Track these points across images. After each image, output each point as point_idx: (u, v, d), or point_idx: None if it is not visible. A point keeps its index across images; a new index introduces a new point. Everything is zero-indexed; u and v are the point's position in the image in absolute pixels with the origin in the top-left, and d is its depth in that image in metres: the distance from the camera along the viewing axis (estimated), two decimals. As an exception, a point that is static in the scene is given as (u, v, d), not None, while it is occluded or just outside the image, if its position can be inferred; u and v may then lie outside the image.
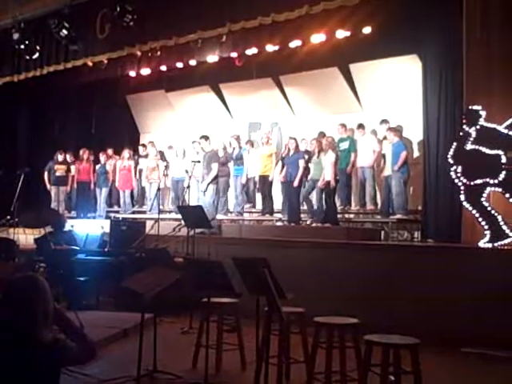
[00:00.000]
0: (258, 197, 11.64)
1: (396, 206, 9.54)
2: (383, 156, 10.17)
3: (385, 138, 10.35)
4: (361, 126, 10.74)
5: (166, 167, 12.54)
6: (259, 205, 11.62)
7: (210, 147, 10.82)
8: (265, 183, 11.12)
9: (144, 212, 12.79)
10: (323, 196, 10.03)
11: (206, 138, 10.80)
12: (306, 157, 10.50)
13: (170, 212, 12.41)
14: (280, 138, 12.49)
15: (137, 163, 13.11)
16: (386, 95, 11.06)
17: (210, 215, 9.76)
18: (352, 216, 10.93)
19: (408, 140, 10.26)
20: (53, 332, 2.66)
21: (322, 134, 10.94)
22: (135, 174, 13.04)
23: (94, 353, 2.82)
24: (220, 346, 5.48)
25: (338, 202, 10.61)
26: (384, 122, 10.51)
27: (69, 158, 13.48)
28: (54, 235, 8.25)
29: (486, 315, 6.24)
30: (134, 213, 12.86)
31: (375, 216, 10.50)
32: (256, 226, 11.01)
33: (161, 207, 12.35)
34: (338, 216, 10.48)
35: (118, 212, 12.97)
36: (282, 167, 10.87)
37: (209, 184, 10.35)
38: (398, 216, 9.51)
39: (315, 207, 10.45)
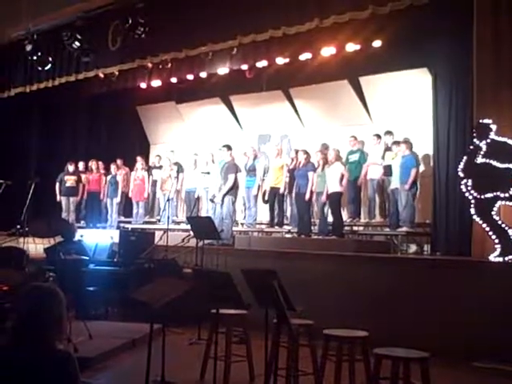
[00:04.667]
0: (265, 208, 11.60)
1: (403, 219, 9.50)
2: (389, 168, 10.15)
3: (388, 149, 10.32)
4: (377, 135, 10.69)
5: (177, 177, 12.58)
6: (266, 216, 11.59)
7: (230, 157, 10.75)
8: (276, 195, 11.11)
9: (154, 222, 12.82)
10: (325, 208, 10.03)
11: (228, 147, 10.68)
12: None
13: (180, 223, 12.42)
14: (289, 150, 12.50)
15: (150, 174, 13.16)
16: (395, 108, 11.06)
17: (227, 227, 9.76)
18: (361, 228, 10.90)
19: (416, 153, 10.22)
20: (65, 346, 2.66)
21: (325, 146, 10.93)
22: (149, 184, 13.09)
23: None
24: (228, 358, 5.46)
25: (346, 215, 10.61)
26: (388, 133, 10.51)
27: (79, 168, 13.56)
28: (63, 245, 8.28)
29: (497, 329, 6.19)
30: (144, 223, 12.88)
31: (384, 229, 10.46)
32: (265, 238, 10.99)
33: (174, 218, 12.40)
34: (347, 228, 10.47)
35: (130, 222, 13.00)
36: (291, 180, 10.85)
37: (225, 195, 10.18)
38: (405, 229, 9.47)
39: (318, 220, 10.45)
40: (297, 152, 11.10)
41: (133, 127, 15.06)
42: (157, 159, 13.60)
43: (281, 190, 10.97)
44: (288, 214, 11.34)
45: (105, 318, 8.20)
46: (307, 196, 10.12)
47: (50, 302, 2.60)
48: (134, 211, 13.06)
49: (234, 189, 10.30)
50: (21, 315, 2.59)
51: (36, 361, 2.49)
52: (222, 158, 10.83)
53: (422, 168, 10.20)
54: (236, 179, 10.29)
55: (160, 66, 11.27)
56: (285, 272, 4.46)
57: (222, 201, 10.15)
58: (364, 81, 11.26)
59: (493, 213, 7.09)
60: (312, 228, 10.43)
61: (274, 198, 11.12)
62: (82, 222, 13.28)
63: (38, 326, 2.54)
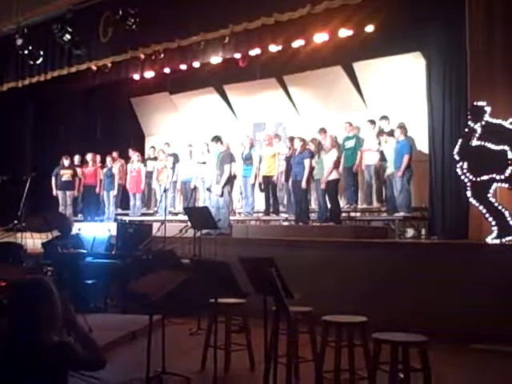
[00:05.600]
0: (263, 197, 11.59)
1: (399, 204, 9.51)
2: (382, 153, 10.16)
3: (381, 133, 10.31)
4: (371, 121, 10.68)
5: (173, 168, 12.55)
6: (263, 205, 11.58)
7: (224, 147, 10.71)
8: (269, 184, 11.11)
9: (151, 214, 12.80)
10: (326, 195, 10.04)
11: (216, 139, 10.65)
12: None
13: (177, 214, 12.40)
14: (285, 138, 12.47)
15: (145, 165, 13.12)
16: (390, 93, 11.04)
17: (224, 216, 9.76)
18: (359, 214, 10.91)
19: (412, 138, 10.21)
20: (60, 335, 2.66)
21: (324, 130, 10.91)
22: (145, 176, 13.06)
23: (102, 361, 2.79)
24: (228, 347, 5.48)
25: (344, 201, 10.62)
26: (384, 118, 10.50)
27: (75, 162, 13.52)
28: (61, 239, 8.28)
29: (495, 311, 6.22)
30: (141, 215, 12.86)
31: (381, 214, 10.48)
32: (263, 227, 11.01)
33: (171, 209, 12.38)
34: (344, 214, 10.48)
35: (127, 215, 12.98)
36: (288, 167, 10.83)
37: (224, 186, 10.20)
38: (402, 214, 9.48)
39: (317, 206, 10.46)
40: (292, 139, 11.06)
41: (127, 119, 15.03)
42: (151, 150, 13.55)
43: (273, 178, 10.96)
44: (285, 201, 11.33)
45: (104, 310, 8.20)
46: (303, 183, 10.10)
47: (40, 294, 2.60)
48: (131, 203, 13.04)
49: (230, 178, 10.31)
50: (13, 310, 2.60)
51: (31, 355, 2.50)
52: (217, 149, 10.79)
53: (417, 152, 10.20)
54: (231, 169, 10.27)
55: (152, 57, 11.18)
56: (283, 259, 4.46)
57: (222, 192, 10.16)
58: (357, 66, 11.23)
59: (489, 195, 7.11)
60: (310, 215, 10.44)
61: (268, 186, 11.12)
62: (80, 215, 13.27)
63: (31, 319, 2.55)
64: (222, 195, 10.15)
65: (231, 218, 11.34)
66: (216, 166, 10.39)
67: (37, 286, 2.64)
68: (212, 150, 11.53)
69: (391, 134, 10.07)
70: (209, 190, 10.77)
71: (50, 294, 2.63)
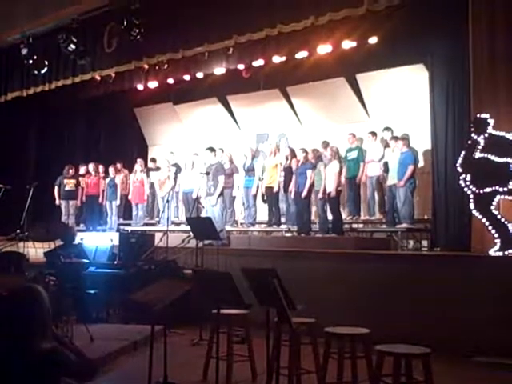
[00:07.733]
0: (265, 207, 11.59)
1: (402, 216, 9.49)
2: (386, 164, 10.16)
3: (387, 145, 10.32)
4: (372, 133, 10.68)
5: (175, 179, 12.55)
6: (264, 216, 11.58)
7: (216, 159, 10.84)
8: (271, 194, 11.11)
9: (154, 224, 12.79)
10: (325, 206, 10.03)
11: (211, 149, 10.81)
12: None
13: (180, 224, 12.39)
14: (284, 148, 12.47)
15: (148, 176, 13.12)
16: (393, 104, 11.05)
17: (218, 227, 9.77)
18: (361, 226, 10.89)
19: (415, 149, 10.22)
20: (51, 342, 2.66)
21: (325, 144, 10.93)
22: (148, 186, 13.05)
23: (94, 369, 2.80)
24: (230, 358, 5.45)
25: (346, 212, 10.60)
26: (387, 129, 10.50)
27: (78, 171, 13.54)
28: (63, 248, 8.27)
29: (498, 324, 6.19)
30: (144, 225, 12.85)
31: (383, 226, 10.45)
32: (265, 237, 10.99)
33: (175, 219, 12.38)
34: (347, 226, 10.46)
35: (129, 225, 12.97)
36: (286, 178, 10.82)
37: (218, 197, 10.42)
38: (405, 225, 9.46)
39: (318, 218, 10.46)
40: (292, 150, 11.09)
41: (130, 129, 15.06)
42: (152, 163, 13.51)
43: (275, 189, 10.96)
44: (284, 212, 11.31)
45: (106, 320, 8.19)
46: (304, 194, 10.09)
47: (33, 303, 2.61)
48: (134, 213, 13.04)
49: (223, 189, 10.60)
50: (5, 318, 2.61)
51: (24, 362, 2.50)
52: (209, 160, 10.86)
53: (420, 164, 10.19)
54: (224, 180, 10.57)
55: (156, 67, 11.25)
56: (285, 270, 4.46)
57: (216, 203, 10.38)
58: (361, 78, 11.25)
59: (492, 207, 7.09)
60: (312, 226, 10.42)
61: (271, 197, 11.12)
62: (82, 225, 13.27)
63: (24, 327, 2.56)
64: (216, 204, 10.41)
65: (233, 228, 11.36)
66: (208, 177, 10.51)
67: (29, 294, 2.65)
68: (208, 160, 11.60)
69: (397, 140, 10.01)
70: (198, 201, 10.90)
71: (41, 301, 2.65)
